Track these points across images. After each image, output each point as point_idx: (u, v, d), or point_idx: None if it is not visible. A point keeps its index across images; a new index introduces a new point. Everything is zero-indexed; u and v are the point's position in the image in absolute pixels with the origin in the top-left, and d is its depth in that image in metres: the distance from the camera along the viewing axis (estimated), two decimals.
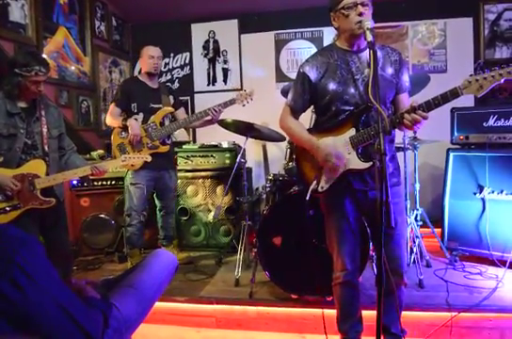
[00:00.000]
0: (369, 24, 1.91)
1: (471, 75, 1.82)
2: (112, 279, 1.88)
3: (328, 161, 2.08)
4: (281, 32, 5.40)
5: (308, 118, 3.49)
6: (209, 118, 3.58)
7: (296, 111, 2.31)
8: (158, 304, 2.22)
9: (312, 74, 2.17)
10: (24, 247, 1.24)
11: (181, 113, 3.86)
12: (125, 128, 3.52)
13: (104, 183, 4.29)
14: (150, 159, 3.02)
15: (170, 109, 3.70)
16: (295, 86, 2.27)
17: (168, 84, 5.59)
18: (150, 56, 3.67)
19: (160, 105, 3.66)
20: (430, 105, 1.90)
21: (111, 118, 3.63)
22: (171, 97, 3.82)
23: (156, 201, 3.89)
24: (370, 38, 1.87)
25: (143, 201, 3.66)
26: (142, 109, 3.62)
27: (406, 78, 2.21)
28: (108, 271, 3.70)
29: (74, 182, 4.17)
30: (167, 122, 3.68)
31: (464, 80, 1.83)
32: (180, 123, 3.60)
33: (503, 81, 1.79)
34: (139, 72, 3.90)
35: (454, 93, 1.85)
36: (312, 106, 2.35)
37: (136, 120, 3.55)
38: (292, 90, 2.28)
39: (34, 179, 2.57)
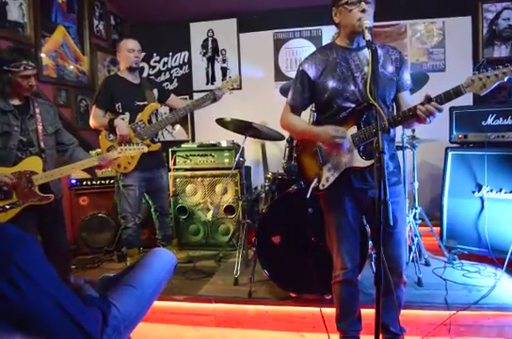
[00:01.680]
0: (368, 22, 1.92)
1: (474, 74, 1.81)
2: (111, 277, 1.89)
3: (333, 142, 2.07)
4: (280, 31, 5.40)
5: (307, 118, 3.49)
6: (208, 103, 3.58)
7: (296, 109, 2.31)
8: (157, 303, 2.23)
9: (312, 72, 2.17)
10: (23, 246, 1.24)
11: (174, 100, 3.81)
12: (112, 130, 3.44)
13: (103, 182, 4.29)
14: (146, 150, 2.98)
15: (156, 105, 3.62)
16: (294, 84, 2.27)
17: (167, 83, 5.63)
18: (130, 50, 3.55)
19: (145, 102, 3.56)
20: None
21: (95, 120, 3.52)
22: (155, 90, 3.72)
23: (150, 203, 3.87)
24: (368, 37, 1.88)
25: (137, 202, 3.62)
26: (127, 108, 3.52)
27: (407, 76, 2.21)
28: (107, 270, 3.70)
29: (73, 181, 4.18)
30: (154, 119, 3.63)
31: (467, 78, 1.82)
32: (168, 119, 3.55)
33: (506, 80, 1.78)
34: (118, 69, 3.81)
35: (457, 92, 1.84)
36: (311, 106, 2.35)
37: (122, 119, 3.47)
38: (292, 89, 2.28)
39: (31, 176, 2.57)
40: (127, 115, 3.52)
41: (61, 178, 2.78)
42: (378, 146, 1.63)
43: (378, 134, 1.66)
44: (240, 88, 5.38)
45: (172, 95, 3.88)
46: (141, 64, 5.25)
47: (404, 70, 2.19)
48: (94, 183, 4.26)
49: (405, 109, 2.00)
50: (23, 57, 2.52)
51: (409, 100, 2.20)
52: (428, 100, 1.88)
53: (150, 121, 3.58)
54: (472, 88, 1.82)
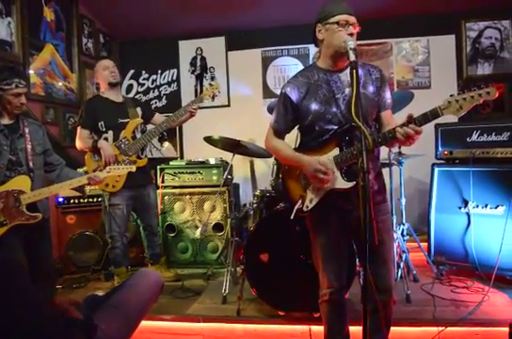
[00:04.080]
0: (352, 43, 1.93)
1: (451, 96, 1.83)
2: (97, 298, 1.87)
3: (316, 176, 2.05)
4: (268, 49, 5.46)
5: (293, 137, 3.51)
6: (185, 117, 3.59)
7: (279, 132, 2.31)
8: (145, 323, 2.21)
9: (294, 95, 2.17)
10: (5, 268, 1.23)
11: (159, 118, 3.79)
12: (97, 151, 3.45)
13: (91, 200, 4.25)
14: (134, 169, 3.00)
15: (139, 121, 3.62)
16: (277, 107, 2.27)
17: (156, 100, 5.65)
18: (104, 68, 3.60)
19: (128, 120, 3.56)
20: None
21: (80, 142, 3.54)
22: (139, 109, 3.72)
23: (139, 221, 3.84)
24: (353, 57, 1.89)
25: (124, 222, 3.60)
26: (110, 126, 3.52)
27: (387, 95, 2.21)
28: (94, 290, 3.63)
29: (60, 199, 4.14)
30: (138, 135, 3.61)
31: (445, 100, 1.83)
32: (152, 133, 3.55)
33: (481, 101, 1.81)
34: (98, 91, 3.84)
35: (434, 114, 1.84)
36: (298, 126, 2.36)
37: (106, 139, 3.49)
38: (275, 112, 2.29)
39: (19, 195, 2.56)
40: (110, 133, 3.52)
41: (49, 198, 2.77)
42: (363, 166, 1.65)
43: (363, 154, 1.67)
44: (228, 105, 5.43)
45: (157, 114, 3.89)
46: (130, 81, 5.28)
47: (385, 89, 2.19)
48: (81, 201, 4.22)
49: (385, 131, 2.00)
50: (14, 76, 2.55)
51: (391, 118, 2.21)
52: (409, 121, 1.87)
53: (134, 138, 3.56)
54: (449, 111, 1.81)
